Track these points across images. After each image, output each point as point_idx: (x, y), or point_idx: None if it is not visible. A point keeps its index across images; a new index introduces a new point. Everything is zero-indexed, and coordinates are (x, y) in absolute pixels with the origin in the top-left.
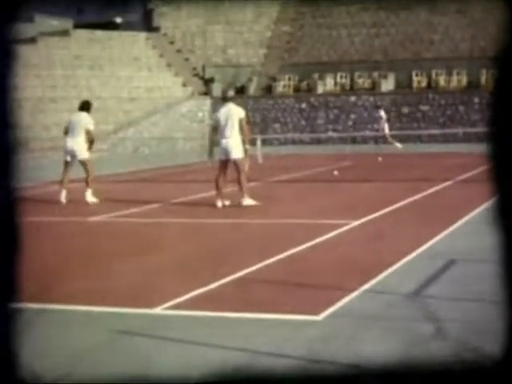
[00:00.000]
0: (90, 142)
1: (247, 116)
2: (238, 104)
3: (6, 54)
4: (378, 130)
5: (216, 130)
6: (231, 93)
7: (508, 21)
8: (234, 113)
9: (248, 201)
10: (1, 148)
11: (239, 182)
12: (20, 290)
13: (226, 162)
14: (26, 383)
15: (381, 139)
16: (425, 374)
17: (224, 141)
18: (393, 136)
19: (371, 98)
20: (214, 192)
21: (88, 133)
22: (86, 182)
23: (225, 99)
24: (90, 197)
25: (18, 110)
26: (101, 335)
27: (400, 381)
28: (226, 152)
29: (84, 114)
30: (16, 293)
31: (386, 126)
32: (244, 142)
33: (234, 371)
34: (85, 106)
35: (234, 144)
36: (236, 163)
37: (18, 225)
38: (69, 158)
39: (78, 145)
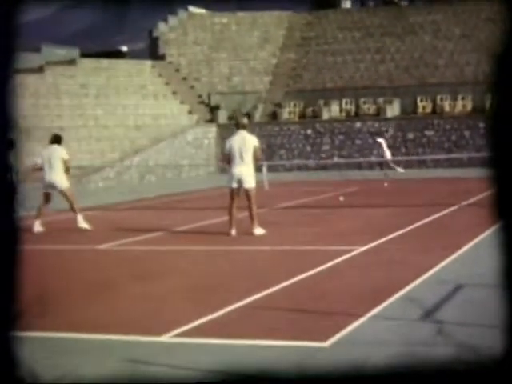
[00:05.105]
0: (66, 169)
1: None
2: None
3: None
4: (382, 156)
5: (227, 157)
6: (245, 120)
7: (507, 45)
8: (248, 141)
9: (259, 230)
10: (4, 177)
11: (250, 211)
12: (19, 298)
13: (238, 190)
14: (25, 383)
15: (384, 165)
16: (425, 374)
17: (237, 169)
18: (396, 161)
19: (376, 124)
20: (224, 219)
21: (65, 163)
22: (73, 209)
23: (238, 127)
24: (81, 222)
25: (22, 140)
26: (110, 364)
27: (400, 381)
28: (240, 180)
29: (56, 147)
30: (15, 302)
31: (388, 152)
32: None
33: (233, 371)
34: (56, 140)
35: (248, 173)
36: (248, 192)
37: (18, 252)
38: (49, 190)
39: (57, 176)
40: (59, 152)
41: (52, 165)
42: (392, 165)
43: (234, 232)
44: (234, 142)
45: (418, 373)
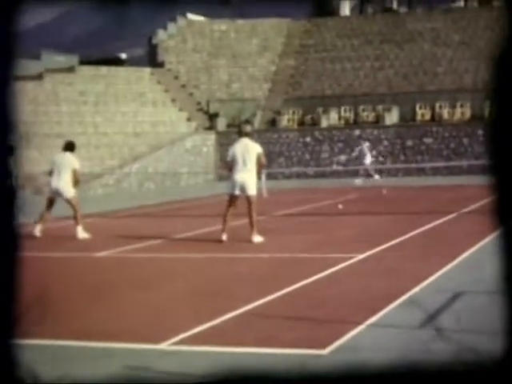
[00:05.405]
0: (76, 180)
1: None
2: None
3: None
4: (361, 159)
5: (230, 164)
6: (248, 128)
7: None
8: (251, 148)
9: (258, 237)
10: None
11: (251, 218)
12: (19, 301)
13: (237, 197)
14: (25, 383)
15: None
16: (425, 375)
17: (240, 176)
18: (376, 169)
19: (375, 132)
20: (219, 226)
21: (74, 172)
22: (75, 219)
23: (240, 134)
24: (81, 233)
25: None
26: (108, 371)
27: (400, 381)
28: (242, 188)
29: (68, 154)
30: (14, 307)
31: (369, 158)
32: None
33: (233, 371)
34: (69, 147)
35: (251, 180)
36: (250, 199)
37: (17, 258)
38: (54, 196)
39: (64, 184)
40: (70, 160)
41: (60, 172)
42: (371, 172)
43: (224, 237)
44: (237, 149)
45: (417, 373)
